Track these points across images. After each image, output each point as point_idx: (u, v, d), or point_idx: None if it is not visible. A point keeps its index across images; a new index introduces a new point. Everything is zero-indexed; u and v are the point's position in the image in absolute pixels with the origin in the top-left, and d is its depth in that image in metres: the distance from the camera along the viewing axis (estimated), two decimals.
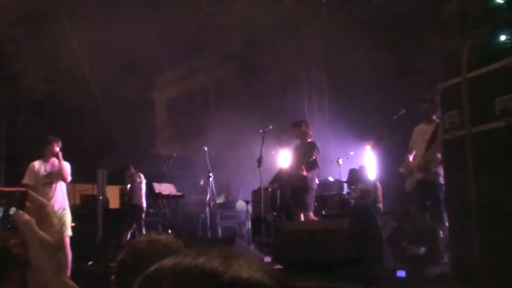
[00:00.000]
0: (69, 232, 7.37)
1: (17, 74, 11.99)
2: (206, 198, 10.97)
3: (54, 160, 7.45)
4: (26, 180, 7.37)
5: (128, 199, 10.25)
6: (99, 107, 15.16)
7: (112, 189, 15.41)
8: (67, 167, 7.47)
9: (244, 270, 0.81)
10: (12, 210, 1.01)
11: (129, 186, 10.51)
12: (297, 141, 8.43)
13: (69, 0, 12.83)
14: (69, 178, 7.47)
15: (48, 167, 7.45)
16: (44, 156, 7.47)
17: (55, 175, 7.40)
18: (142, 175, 10.43)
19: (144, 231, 9.45)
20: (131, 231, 9.79)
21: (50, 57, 12.10)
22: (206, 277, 0.80)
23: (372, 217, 5.98)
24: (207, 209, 10.90)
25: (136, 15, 12.88)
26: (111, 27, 12.48)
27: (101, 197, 11.36)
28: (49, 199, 7.12)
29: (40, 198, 1.08)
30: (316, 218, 8.10)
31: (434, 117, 6.60)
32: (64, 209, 7.47)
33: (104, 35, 12.65)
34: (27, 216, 1.02)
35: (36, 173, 7.38)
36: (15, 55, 11.87)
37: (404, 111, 7.86)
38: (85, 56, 13.83)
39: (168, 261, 0.87)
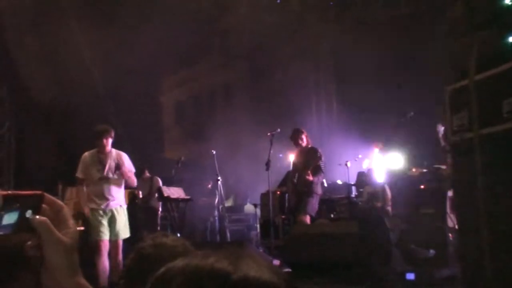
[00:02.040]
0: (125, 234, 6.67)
1: (25, 77, 12.06)
2: (214, 202, 10.99)
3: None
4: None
5: (145, 201, 10.28)
6: (107, 111, 15.20)
7: None
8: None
9: (253, 270, 0.82)
10: (28, 213, 0.99)
11: (139, 189, 10.57)
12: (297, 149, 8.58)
13: (76, 4, 12.88)
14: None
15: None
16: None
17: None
18: (159, 179, 10.48)
19: None
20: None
21: (58, 61, 12.16)
22: (215, 277, 0.81)
23: (381, 220, 5.96)
24: (216, 213, 10.91)
25: (143, 18, 12.92)
26: (119, 30, 12.53)
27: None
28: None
29: (57, 200, 1.08)
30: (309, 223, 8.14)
31: None
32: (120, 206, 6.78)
33: (112, 38, 12.70)
34: (43, 217, 1.01)
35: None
36: (22, 59, 11.94)
37: (412, 113, 7.85)
38: (93, 59, 13.89)
39: (179, 262, 0.88)
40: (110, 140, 6.65)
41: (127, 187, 7.27)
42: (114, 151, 6.73)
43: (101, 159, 6.61)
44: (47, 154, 12.43)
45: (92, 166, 6.59)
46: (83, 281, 1.06)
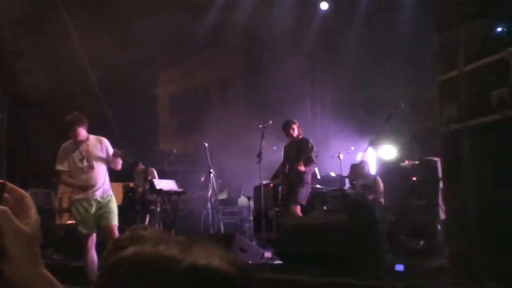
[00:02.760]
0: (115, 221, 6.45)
1: (20, 71, 12.04)
2: (207, 195, 10.99)
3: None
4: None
5: (141, 194, 10.26)
6: (101, 103, 15.17)
7: (114, 186, 15.42)
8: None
9: (202, 257, 0.83)
10: None
11: (134, 182, 10.58)
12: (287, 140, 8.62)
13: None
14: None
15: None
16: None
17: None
18: (154, 170, 10.45)
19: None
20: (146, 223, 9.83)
21: (52, 54, 12.13)
22: (164, 264, 0.82)
23: (370, 211, 5.97)
24: (209, 205, 10.92)
25: (138, 11, 12.87)
26: (114, 23, 12.49)
27: None
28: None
29: (19, 189, 1.06)
30: (300, 214, 8.16)
31: None
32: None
33: (107, 31, 12.66)
34: (2, 207, 1.00)
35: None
36: (17, 53, 11.91)
37: (403, 105, 7.86)
38: (86, 52, 13.84)
39: (130, 250, 0.89)
40: (82, 129, 6.40)
41: (120, 179, 7.21)
42: (92, 137, 6.53)
43: (79, 148, 6.41)
44: (40, 147, 12.41)
45: (71, 156, 6.38)
46: (45, 271, 1.04)
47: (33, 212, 1.07)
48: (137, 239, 1.81)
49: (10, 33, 11.85)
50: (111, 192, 6.60)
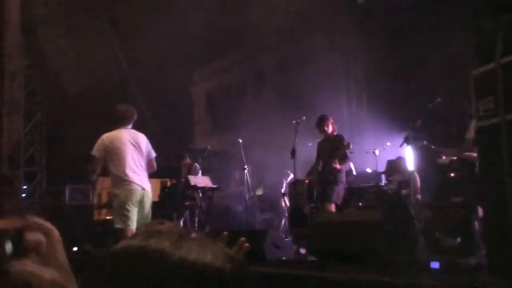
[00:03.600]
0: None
1: (58, 68, 12.29)
2: (241, 191, 11.02)
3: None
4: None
5: (183, 189, 10.35)
6: (138, 101, 15.37)
7: (151, 182, 15.59)
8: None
9: (193, 252, 0.82)
10: (8, 248, 0.84)
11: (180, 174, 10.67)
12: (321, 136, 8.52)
13: None
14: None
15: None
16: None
17: None
18: (198, 167, 10.54)
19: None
20: (182, 219, 9.93)
21: (88, 51, 12.34)
22: (153, 258, 0.81)
23: (406, 208, 5.87)
24: (243, 202, 10.95)
25: (174, 10, 12.97)
26: (150, 23, 12.63)
27: None
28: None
29: (45, 223, 0.94)
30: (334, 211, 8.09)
31: None
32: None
33: (143, 30, 12.82)
34: (27, 265, 0.87)
35: None
36: (55, 51, 12.16)
37: (440, 99, 7.68)
38: (124, 49, 14.05)
39: (122, 243, 0.87)
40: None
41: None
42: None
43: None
44: (79, 144, 12.64)
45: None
46: None
47: (60, 248, 0.94)
48: (153, 233, 1.81)
49: (48, 31, 12.11)
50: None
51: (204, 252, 0.82)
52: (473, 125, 7.06)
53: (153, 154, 6.65)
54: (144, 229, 1.13)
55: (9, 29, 12.16)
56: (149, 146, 6.63)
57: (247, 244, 1.65)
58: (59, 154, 12.77)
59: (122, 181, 6.28)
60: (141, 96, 15.49)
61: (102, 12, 13.00)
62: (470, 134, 7.00)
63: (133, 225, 6.20)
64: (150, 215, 6.36)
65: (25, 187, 12.33)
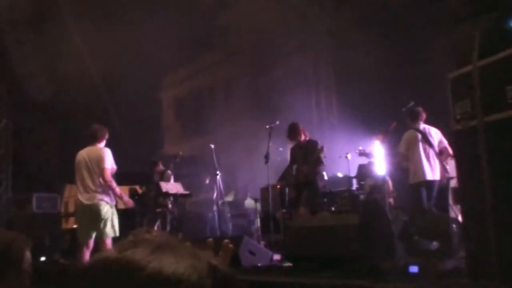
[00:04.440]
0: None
1: (23, 76, 11.98)
2: (213, 197, 10.89)
3: None
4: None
5: (155, 196, 10.17)
6: (106, 107, 15.12)
7: (121, 190, 15.32)
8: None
9: (169, 264, 0.78)
10: None
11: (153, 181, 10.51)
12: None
13: (73, 0, 12.77)
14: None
15: None
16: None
17: None
18: (171, 174, 10.38)
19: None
20: (155, 226, 9.74)
21: (55, 58, 12.07)
22: (129, 270, 0.78)
23: (383, 211, 5.85)
24: (215, 208, 10.81)
25: (142, 14, 12.81)
26: (118, 27, 12.42)
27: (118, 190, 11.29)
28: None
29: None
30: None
31: None
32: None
33: (111, 34, 12.59)
34: None
35: None
36: (20, 57, 11.85)
37: (413, 103, 7.73)
38: (91, 56, 13.79)
39: (101, 255, 0.84)
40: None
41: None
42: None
43: None
44: (46, 151, 12.35)
45: None
46: None
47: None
48: (141, 242, 1.71)
49: (13, 37, 11.80)
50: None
51: (179, 263, 0.78)
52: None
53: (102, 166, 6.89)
54: (124, 240, 1.11)
55: None
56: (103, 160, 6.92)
57: (231, 245, 1.59)
58: (25, 162, 12.42)
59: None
60: (110, 103, 15.25)
61: (68, 15, 12.74)
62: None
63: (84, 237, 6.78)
64: (103, 226, 6.72)
65: None
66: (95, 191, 6.79)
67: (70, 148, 7.46)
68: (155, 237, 1.84)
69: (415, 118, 7.75)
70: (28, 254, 2.38)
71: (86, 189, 6.81)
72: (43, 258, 9.53)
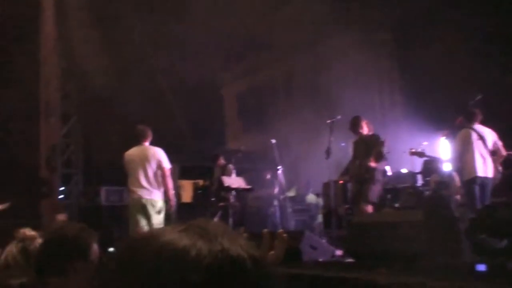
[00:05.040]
0: None
1: (90, 72, 12.39)
2: (273, 192, 10.92)
3: None
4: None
5: (216, 190, 10.34)
6: (169, 103, 15.44)
7: (184, 184, 15.66)
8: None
9: (180, 238, 0.83)
10: None
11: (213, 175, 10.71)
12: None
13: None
14: None
15: None
16: None
17: None
18: (233, 168, 10.53)
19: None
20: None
21: (119, 55, 12.41)
22: (148, 239, 0.83)
23: (448, 208, 5.69)
24: (276, 203, 10.85)
25: (204, 10, 12.96)
26: (181, 23, 12.64)
27: (173, 192, 11.54)
28: None
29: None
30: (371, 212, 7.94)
31: None
32: None
33: (174, 31, 12.83)
34: None
35: None
36: (87, 55, 12.26)
37: (480, 97, 7.47)
38: (155, 54, 14.11)
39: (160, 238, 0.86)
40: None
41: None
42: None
43: None
44: (112, 146, 12.72)
45: None
46: None
47: None
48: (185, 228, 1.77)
49: (80, 35, 12.24)
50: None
51: (198, 244, 0.83)
52: None
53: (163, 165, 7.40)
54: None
55: (44, 35, 12.39)
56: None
57: (285, 235, 1.60)
58: (94, 156, 12.91)
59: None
60: (173, 99, 15.56)
61: (133, 14, 13.06)
62: None
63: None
64: (155, 221, 7.20)
65: (62, 188, 12.50)
66: (150, 188, 7.27)
67: (135, 143, 7.73)
68: (213, 226, 1.88)
69: (471, 119, 7.67)
70: (95, 246, 2.46)
71: (141, 185, 7.26)
72: (111, 249, 9.86)
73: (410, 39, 12.56)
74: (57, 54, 12.41)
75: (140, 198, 7.25)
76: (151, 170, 7.27)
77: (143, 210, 7.22)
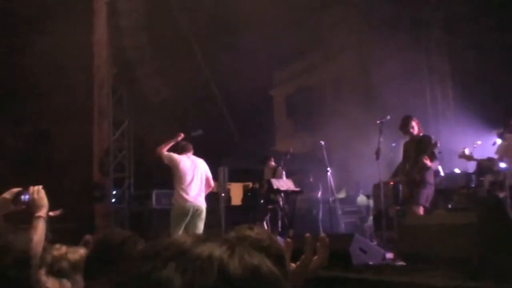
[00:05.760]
0: None
1: (141, 77, 12.65)
2: (317, 195, 10.89)
3: None
4: None
5: (266, 192, 10.40)
6: (220, 106, 15.60)
7: (234, 187, 15.78)
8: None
9: (196, 244, 0.84)
10: None
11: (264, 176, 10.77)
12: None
13: (185, 4, 13.25)
14: None
15: None
16: None
17: None
18: (283, 171, 10.58)
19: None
20: (264, 222, 9.96)
21: (170, 59, 12.61)
22: (207, 265, 0.82)
23: (503, 210, 5.51)
24: (320, 206, 10.80)
25: (252, 13, 13.02)
26: (229, 27, 12.75)
27: (223, 194, 11.67)
28: None
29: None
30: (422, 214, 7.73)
31: None
32: None
33: (221, 35, 12.97)
34: None
35: None
36: (138, 60, 12.52)
37: None
38: (204, 58, 14.28)
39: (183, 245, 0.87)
40: None
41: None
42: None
43: None
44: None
45: None
46: None
47: None
48: (243, 239, 1.76)
49: (132, 41, 12.49)
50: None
51: (211, 246, 0.84)
52: None
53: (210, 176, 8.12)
54: (236, 235, 1.14)
55: (97, 40, 12.75)
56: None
57: (327, 239, 1.58)
58: (145, 160, 13.16)
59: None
60: (223, 102, 15.71)
61: (183, 19, 13.27)
62: None
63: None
64: (200, 226, 7.68)
65: (114, 192, 12.78)
66: (199, 195, 7.78)
67: (179, 152, 8.03)
68: (258, 234, 1.88)
69: None
70: None
71: (192, 191, 7.69)
72: None
73: (461, 37, 12.24)
74: (110, 59, 12.72)
75: (189, 204, 7.63)
76: (200, 179, 7.79)
77: (191, 216, 7.63)
